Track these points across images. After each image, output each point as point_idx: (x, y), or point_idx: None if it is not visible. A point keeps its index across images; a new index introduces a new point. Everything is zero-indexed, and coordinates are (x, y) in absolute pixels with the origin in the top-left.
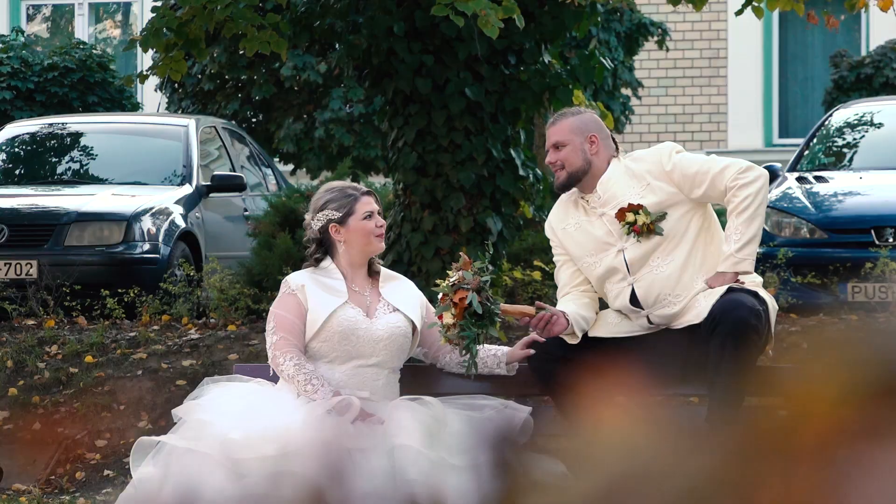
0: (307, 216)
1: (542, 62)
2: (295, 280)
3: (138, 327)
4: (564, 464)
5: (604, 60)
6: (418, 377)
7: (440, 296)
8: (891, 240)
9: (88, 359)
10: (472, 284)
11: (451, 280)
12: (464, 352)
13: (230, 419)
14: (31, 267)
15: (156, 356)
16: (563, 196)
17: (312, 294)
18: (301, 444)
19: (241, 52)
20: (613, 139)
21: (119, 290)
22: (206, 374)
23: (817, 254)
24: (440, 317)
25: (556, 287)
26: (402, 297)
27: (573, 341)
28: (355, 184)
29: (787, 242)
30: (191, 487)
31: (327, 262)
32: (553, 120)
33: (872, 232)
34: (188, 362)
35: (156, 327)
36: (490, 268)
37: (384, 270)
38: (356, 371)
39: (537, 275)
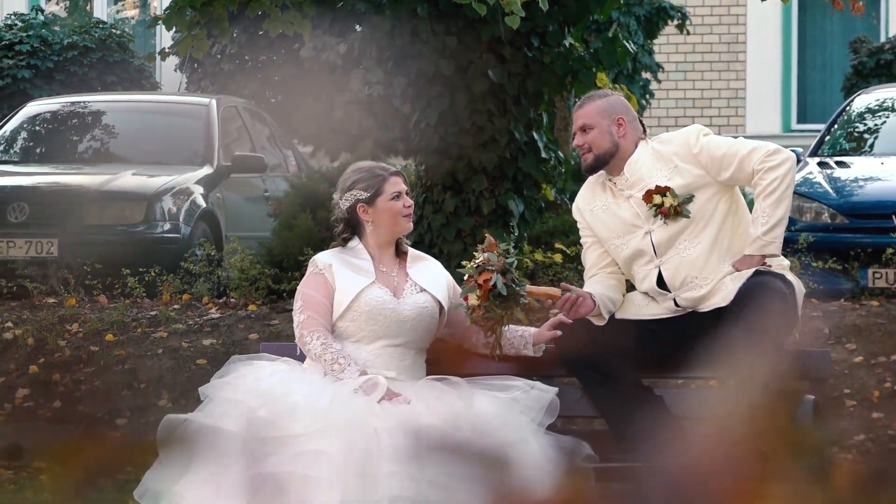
0: (335, 196)
1: (565, 45)
2: (322, 259)
3: (159, 306)
4: (590, 445)
5: (627, 44)
6: (444, 357)
7: (465, 277)
8: None
9: (109, 337)
10: (497, 266)
11: (477, 262)
12: (489, 333)
13: (257, 397)
14: (52, 245)
15: (176, 335)
16: (591, 178)
17: (340, 274)
18: (327, 423)
19: (260, 33)
20: (641, 121)
21: (140, 269)
22: (226, 353)
23: (838, 239)
24: (465, 298)
25: (576, 269)
26: (429, 277)
27: (600, 322)
28: (384, 164)
29: (807, 227)
30: (217, 465)
31: (355, 242)
32: (580, 103)
33: (894, 217)
34: (209, 341)
35: (176, 306)
36: (515, 249)
37: (411, 251)
38: (383, 351)
39: (558, 257)
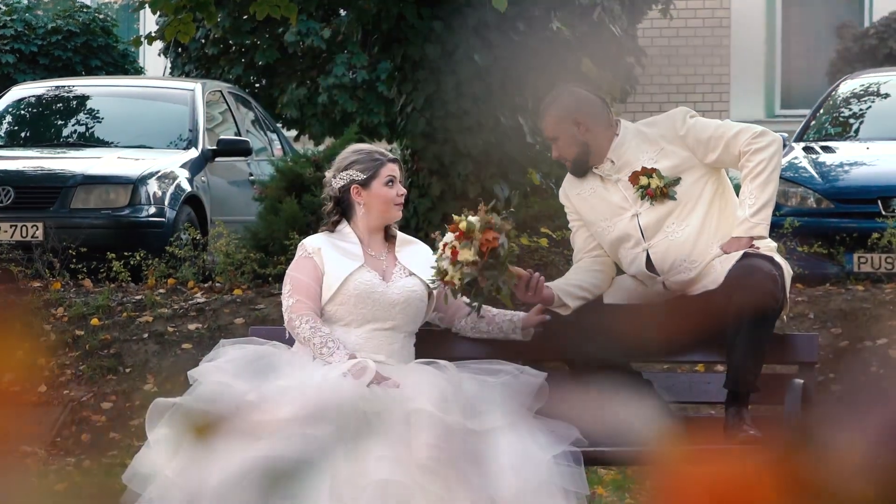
0: (328, 173)
1: (550, 29)
2: (311, 243)
3: (144, 290)
4: (579, 429)
5: (613, 28)
6: (433, 341)
7: (454, 235)
8: None
9: (94, 321)
10: (504, 229)
11: (477, 219)
12: (475, 295)
13: (246, 381)
14: (37, 229)
15: (162, 319)
16: None
17: (329, 257)
18: (317, 407)
19: (244, 17)
20: (606, 102)
21: (125, 254)
22: (211, 337)
23: (824, 224)
24: (454, 252)
25: (562, 254)
26: (418, 261)
27: (564, 312)
28: (382, 150)
29: (793, 212)
30: (206, 449)
31: (343, 226)
32: (540, 114)
33: (879, 202)
34: (194, 326)
35: (161, 291)
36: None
37: (400, 235)
38: (372, 335)
39: (544, 241)
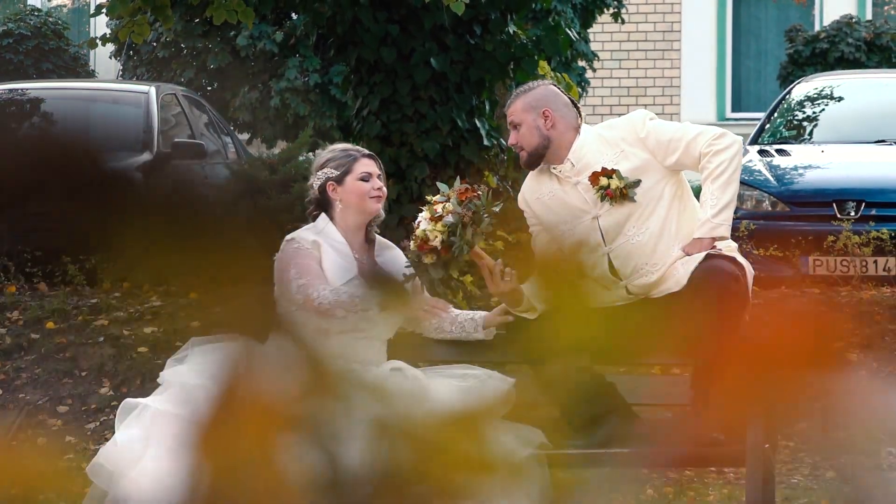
0: (311, 175)
1: (507, 33)
2: (304, 237)
3: (99, 294)
4: (543, 432)
5: (569, 32)
6: (400, 345)
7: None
8: (852, 213)
9: (50, 325)
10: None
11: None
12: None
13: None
14: None
15: (117, 323)
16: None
17: (327, 256)
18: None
19: (196, 21)
20: (576, 106)
21: (80, 257)
22: (167, 341)
23: (779, 227)
24: (433, 216)
25: (517, 257)
26: (396, 267)
27: (531, 316)
28: (358, 147)
29: (748, 215)
30: (173, 453)
31: (324, 223)
32: (509, 100)
33: (834, 205)
34: (150, 329)
35: (117, 294)
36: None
37: (379, 239)
38: (349, 342)
39: (500, 244)
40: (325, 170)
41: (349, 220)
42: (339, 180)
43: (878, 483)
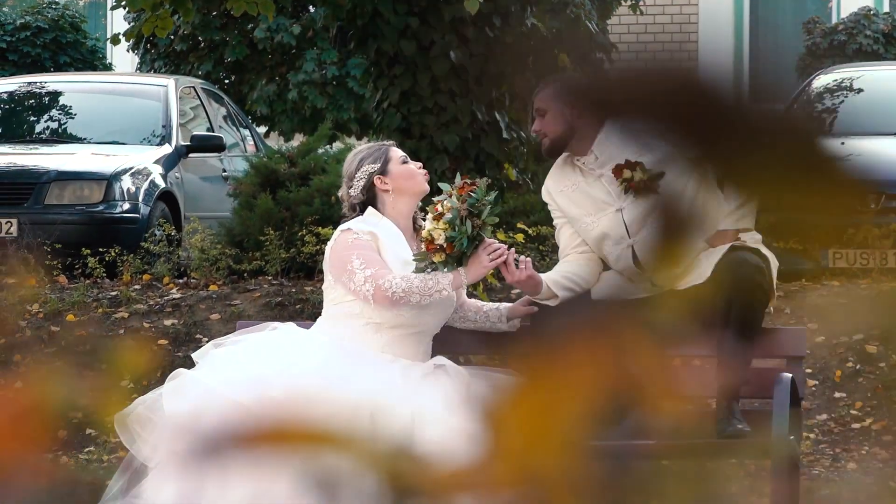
0: (342, 190)
1: (527, 25)
2: (360, 227)
3: (119, 287)
4: None
5: (588, 24)
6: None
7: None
8: (872, 206)
9: (70, 317)
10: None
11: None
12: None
13: (271, 370)
14: (11, 226)
15: (137, 315)
16: (560, 159)
17: (385, 246)
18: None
19: (214, 14)
20: None
21: (100, 249)
22: (187, 333)
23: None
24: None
25: (538, 249)
26: None
27: (553, 303)
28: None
29: None
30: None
31: (375, 216)
32: (538, 88)
33: None
34: (169, 322)
35: (137, 287)
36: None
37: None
38: (401, 338)
39: (520, 237)
40: (363, 169)
41: (400, 207)
42: (384, 171)
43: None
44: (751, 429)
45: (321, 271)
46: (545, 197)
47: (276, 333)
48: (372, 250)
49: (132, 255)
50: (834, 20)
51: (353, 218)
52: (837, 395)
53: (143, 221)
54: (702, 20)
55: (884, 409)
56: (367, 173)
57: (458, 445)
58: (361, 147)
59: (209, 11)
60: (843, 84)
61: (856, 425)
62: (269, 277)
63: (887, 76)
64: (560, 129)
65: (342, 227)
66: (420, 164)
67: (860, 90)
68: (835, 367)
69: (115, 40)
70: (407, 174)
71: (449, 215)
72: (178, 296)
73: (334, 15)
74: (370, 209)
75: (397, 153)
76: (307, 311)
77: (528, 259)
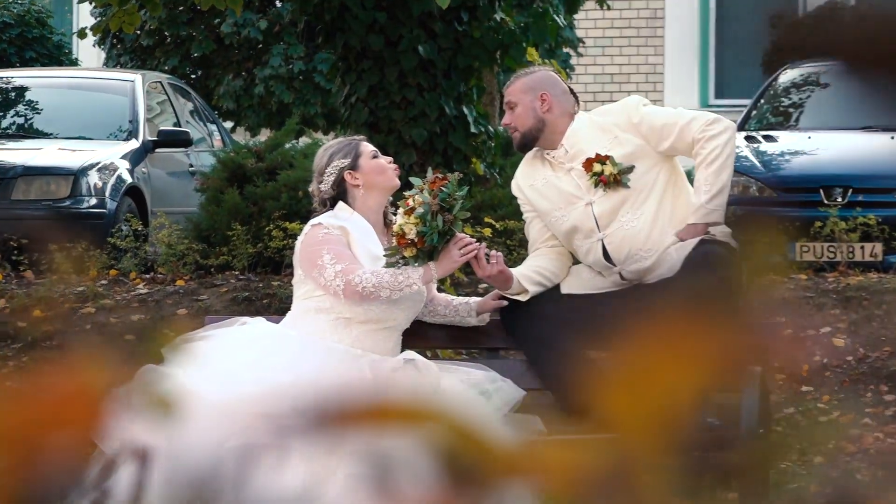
0: (312, 185)
1: (495, 19)
2: (331, 222)
3: (86, 282)
4: (539, 418)
5: (557, 18)
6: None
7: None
8: (839, 199)
9: (37, 313)
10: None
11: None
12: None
13: (241, 366)
14: None
15: (104, 311)
16: (529, 154)
17: (356, 241)
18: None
19: (180, 9)
20: (573, 93)
21: (66, 245)
22: (155, 328)
23: (766, 213)
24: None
25: (505, 244)
26: None
27: (523, 298)
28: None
29: (735, 201)
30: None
31: (346, 211)
32: (508, 82)
33: (821, 191)
34: (137, 317)
35: (104, 282)
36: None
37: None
38: (371, 332)
39: (487, 231)
40: (334, 164)
41: (371, 202)
42: (354, 166)
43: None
44: (720, 422)
45: (288, 266)
46: (515, 191)
47: (246, 329)
48: (342, 245)
49: (99, 250)
50: (801, 13)
51: (324, 212)
52: (805, 388)
53: (109, 217)
54: (668, 15)
55: (851, 402)
56: (338, 168)
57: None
58: (332, 142)
59: (176, 6)
60: (810, 79)
61: (823, 419)
62: (237, 272)
63: None
64: (530, 122)
65: (312, 221)
66: (391, 160)
67: (826, 85)
68: (802, 361)
69: (83, 34)
70: (377, 169)
71: (420, 210)
72: (144, 291)
73: (302, 9)
74: (341, 204)
75: (368, 148)
76: (274, 305)
77: (499, 254)
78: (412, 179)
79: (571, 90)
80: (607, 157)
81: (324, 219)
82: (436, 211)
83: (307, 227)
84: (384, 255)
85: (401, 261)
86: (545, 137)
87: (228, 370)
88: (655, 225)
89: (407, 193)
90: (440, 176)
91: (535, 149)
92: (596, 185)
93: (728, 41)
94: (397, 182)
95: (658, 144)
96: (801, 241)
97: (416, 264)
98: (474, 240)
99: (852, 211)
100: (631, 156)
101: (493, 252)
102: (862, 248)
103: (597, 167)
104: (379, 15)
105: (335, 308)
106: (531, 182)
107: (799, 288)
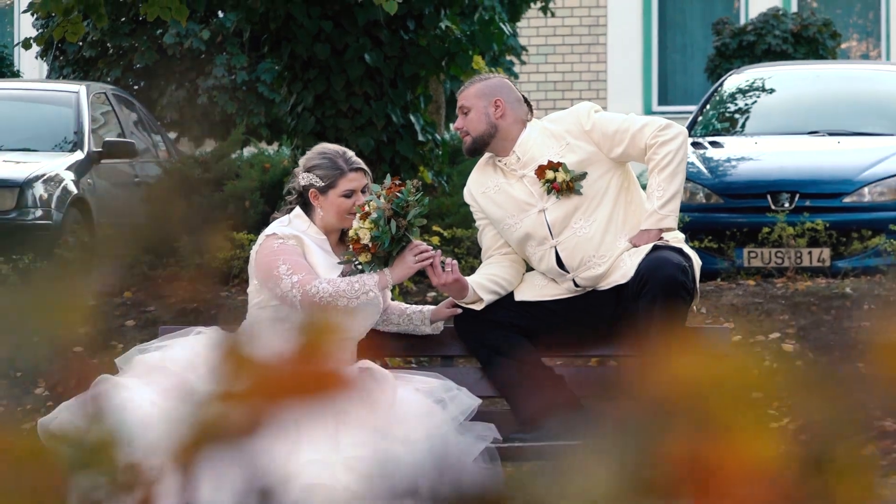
0: (299, 165)
1: (441, 28)
2: (285, 232)
3: None
4: (494, 426)
5: (503, 26)
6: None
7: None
8: (786, 205)
9: None
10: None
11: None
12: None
13: (197, 377)
14: None
15: (52, 322)
16: (481, 161)
17: (311, 251)
18: None
19: (122, 20)
20: (527, 101)
21: (13, 257)
22: (103, 340)
23: (713, 219)
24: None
25: (453, 252)
26: None
27: (478, 307)
28: (350, 156)
29: (683, 207)
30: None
31: (303, 222)
32: (463, 87)
33: (768, 197)
34: (84, 329)
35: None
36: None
37: None
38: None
39: (436, 240)
40: (311, 174)
41: (328, 224)
42: (323, 191)
43: None
44: None
45: (236, 276)
46: (467, 198)
47: (202, 338)
48: (297, 255)
49: (45, 261)
50: (742, 21)
51: (279, 217)
52: (755, 394)
53: (56, 228)
54: (610, 22)
55: (801, 408)
56: (309, 182)
57: (381, 447)
58: (329, 152)
59: (118, 17)
60: (755, 84)
61: (773, 425)
62: (184, 283)
63: (798, 75)
64: (482, 127)
65: (266, 231)
66: (362, 203)
67: (772, 90)
68: (751, 367)
69: (27, 45)
70: (337, 210)
71: (374, 215)
72: (92, 302)
73: (248, 18)
74: (298, 211)
75: (346, 184)
76: (222, 315)
77: (455, 262)
78: (371, 186)
79: (526, 99)
80: (559, 164)
81: (278, 229)
82: (389, 216)
83: (261, 238)
84: (339, 263)
85: (356, 267)
86: (496, 143)
87: (183, 380)
88: (608, 231)
89: (363, 199)
90: (397, 182)
91: (487, 155)
92: (548, 192)
93: (670, 48)
94: (350, 225)
95: (610, 151)
96: (749, 247)
97: (371, 270)
98: (430, 247)
99: (800, 216)
100: (583, 162)
101: (449, 260)
102: (810, 253)
103: (549, 174)
104: (325, 24)
105: (291, 317)
106: (483, 189)
107: (747, 294)
